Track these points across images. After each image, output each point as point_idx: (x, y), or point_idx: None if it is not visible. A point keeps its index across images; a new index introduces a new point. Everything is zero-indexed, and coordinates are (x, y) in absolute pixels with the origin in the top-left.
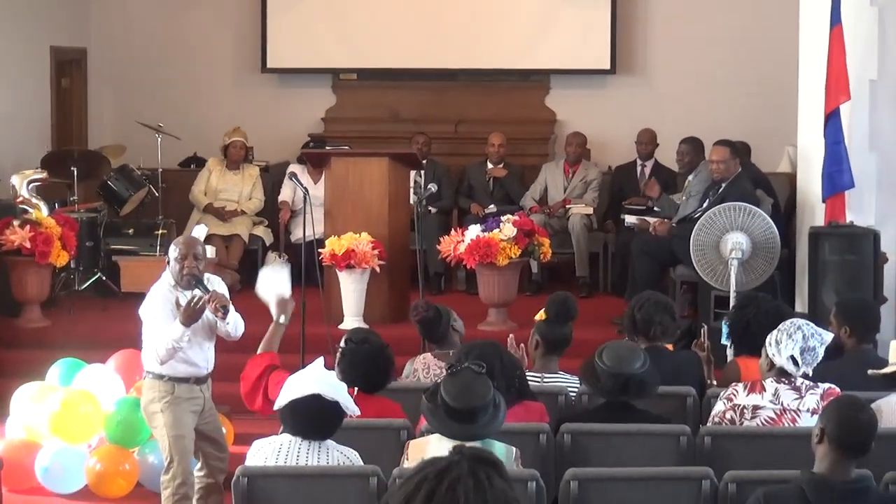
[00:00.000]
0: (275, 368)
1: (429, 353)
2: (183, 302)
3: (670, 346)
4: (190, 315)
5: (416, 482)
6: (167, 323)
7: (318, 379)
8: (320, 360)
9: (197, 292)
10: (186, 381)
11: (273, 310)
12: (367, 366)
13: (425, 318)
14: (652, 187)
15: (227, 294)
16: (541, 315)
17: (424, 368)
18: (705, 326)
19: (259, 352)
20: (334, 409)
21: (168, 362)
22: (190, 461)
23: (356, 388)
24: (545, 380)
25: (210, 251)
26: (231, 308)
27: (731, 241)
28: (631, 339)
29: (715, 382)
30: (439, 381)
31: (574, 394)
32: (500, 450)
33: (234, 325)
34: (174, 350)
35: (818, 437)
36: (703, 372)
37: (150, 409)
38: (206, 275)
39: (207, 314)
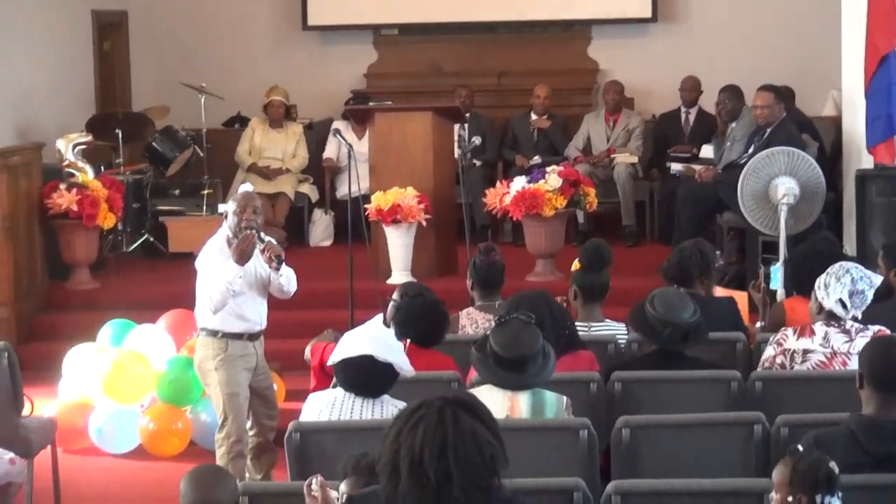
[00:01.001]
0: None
1: (471, 308)
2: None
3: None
4: (242, 251)
5: (392, 421)
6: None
7: (372, 337)
8: (378, 318)
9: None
10: (240, 338)
11: None
12: (420, 320)
13: (498, 262)
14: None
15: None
16: (576, 265)
17: (472, 323)
18: (763, 268)
19: None
20: (386, 369)
21: (221, 313)
22: (244, 419)
23: (408, 341)
24: (592, 329)
25: None
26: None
27: (782, 187)
28: (670, 285)
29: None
30: (488, 331)
31: (623, 341)
32: (551, 399)
33: (288, 279)
34: (227, 293)
35: (859, 382)
36: (740, 318)
37: (203, 367)
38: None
39: (261, 269)
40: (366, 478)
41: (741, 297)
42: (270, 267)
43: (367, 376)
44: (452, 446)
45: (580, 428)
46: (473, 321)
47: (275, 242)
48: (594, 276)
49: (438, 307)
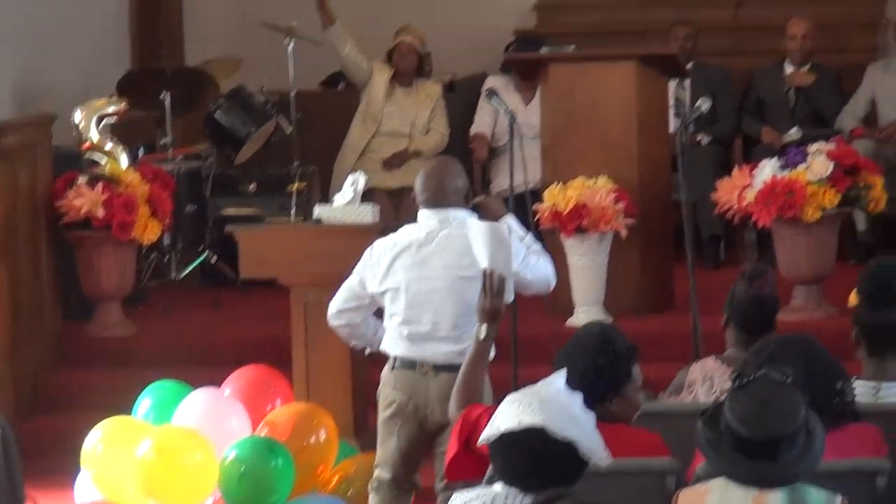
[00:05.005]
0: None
1: (710, 359)
2: None
3: None
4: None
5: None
6: None
7: (546, 401)
8: (562, 374)
9: None
10: None
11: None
12: (588, 368)
13: (770, 295)
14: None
15: None
16: (853, 297)
17: (705, 380)
18: None
19: (455, 389)
20: (566, 452)
21: None
22: None
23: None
24: (881, 392)
25: (371, 213)
26: None
27: None
28: None
29: None
30: (722, 398)
31: None
32: (819, 499)
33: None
34: None
35: None
36: None
37: None
38: None
39: None
40: None
41: None
42: None
43: (537, 461)
44: None
45: None
46: (708, 377)
47: None
48: (883, 313)
49: (607, 348)
